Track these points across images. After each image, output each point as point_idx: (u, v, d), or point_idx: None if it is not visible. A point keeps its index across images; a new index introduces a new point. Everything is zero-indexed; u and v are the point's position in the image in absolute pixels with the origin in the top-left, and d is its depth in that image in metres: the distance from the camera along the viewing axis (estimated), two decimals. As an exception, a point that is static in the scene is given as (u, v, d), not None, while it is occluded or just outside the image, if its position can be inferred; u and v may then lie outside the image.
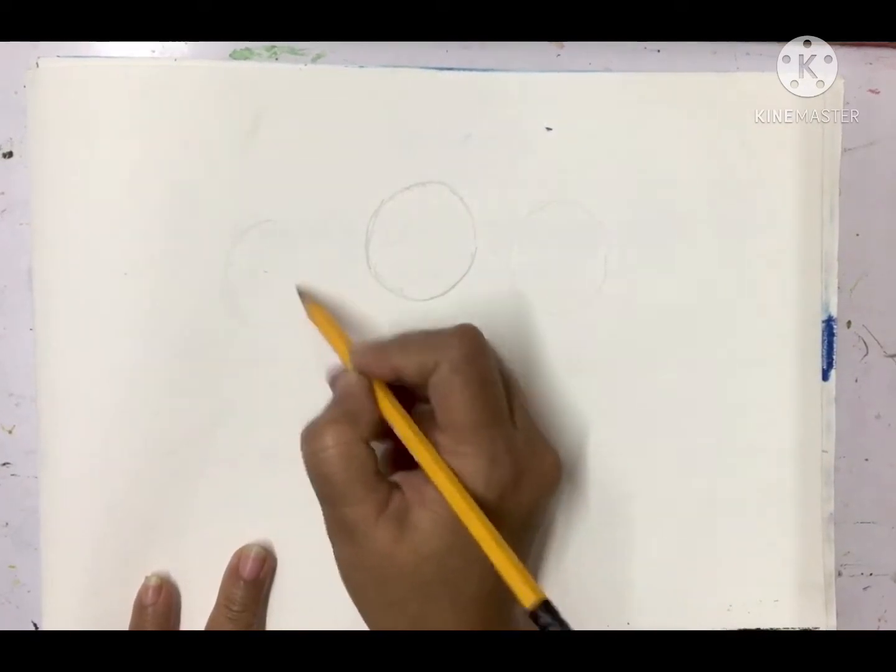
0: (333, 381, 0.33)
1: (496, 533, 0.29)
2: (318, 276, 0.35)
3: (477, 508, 0.29)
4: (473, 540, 0.29)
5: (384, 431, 0.31)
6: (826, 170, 0.37)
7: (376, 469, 0.31)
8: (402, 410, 0.31)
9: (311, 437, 0.31)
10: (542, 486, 0.32)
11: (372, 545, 0.30)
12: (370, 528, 0.30)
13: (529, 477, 0.31)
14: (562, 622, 0.28)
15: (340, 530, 0.31)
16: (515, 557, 0.28)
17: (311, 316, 0.34)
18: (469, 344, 0.31)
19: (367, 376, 0.32)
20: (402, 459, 0.32)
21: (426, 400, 0.31)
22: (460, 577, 0.30)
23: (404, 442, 0.31)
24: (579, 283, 0.37)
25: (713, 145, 0.37)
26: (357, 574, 0.31)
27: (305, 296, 0.35)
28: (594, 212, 0.36)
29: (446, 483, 0.29)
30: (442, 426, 0.31)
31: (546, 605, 0.28)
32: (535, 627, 0.28)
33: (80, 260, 0.35)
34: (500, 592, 0.29)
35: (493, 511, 0.30)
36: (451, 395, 0.30)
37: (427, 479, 0.30)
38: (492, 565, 0.29)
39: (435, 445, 0.30)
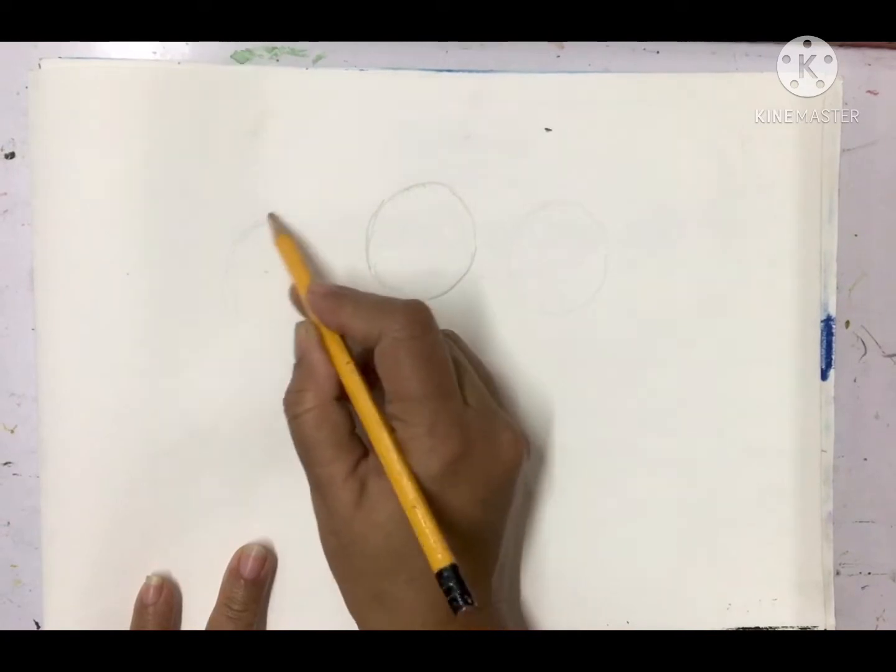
0: (296, 329, 0.33)
1: (418, 495, 0.28)
2: (318, 276, 0.35)
3: (405, 468, 0.29)
4: None
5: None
6: (825, 170, 0.37)
7: (351, 430, 0.31)
8: (348, 357, 0.31)
9: (287, 403, 0.31)
10: (497, 464, 0.32)
11: (337, 507, 0.30)
12: (337, 489, 0.30)
13: (482, 452, 0.31)
14: (466, 590, 0.27)
15: (315, 492, 0.31)
16: (432, 521, 0.28)
17: (277, 245, 0.34)
18: (414, 319, 0.31)
19: (318, 322, 0.32)
20: None
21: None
22: (411, 550, 0.29)
23: (347, 391, 0.31)
24: (579, 283, 0.37)
25: (713, 145, 0.37)
26: (328, 540, 0.32)
27: (275, 224, 0.35)
28: (594, 212, 0.36)
29: (383, 449, 0.29)
30: (388, 395, 0.31)
31: (453, 569, 0.27)
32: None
33: (81, 260, 0.35)
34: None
35: (438, 484, 0.30)
36: (394, 366, 0.30)
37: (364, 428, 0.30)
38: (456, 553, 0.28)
39: (386, 412, 0.30)
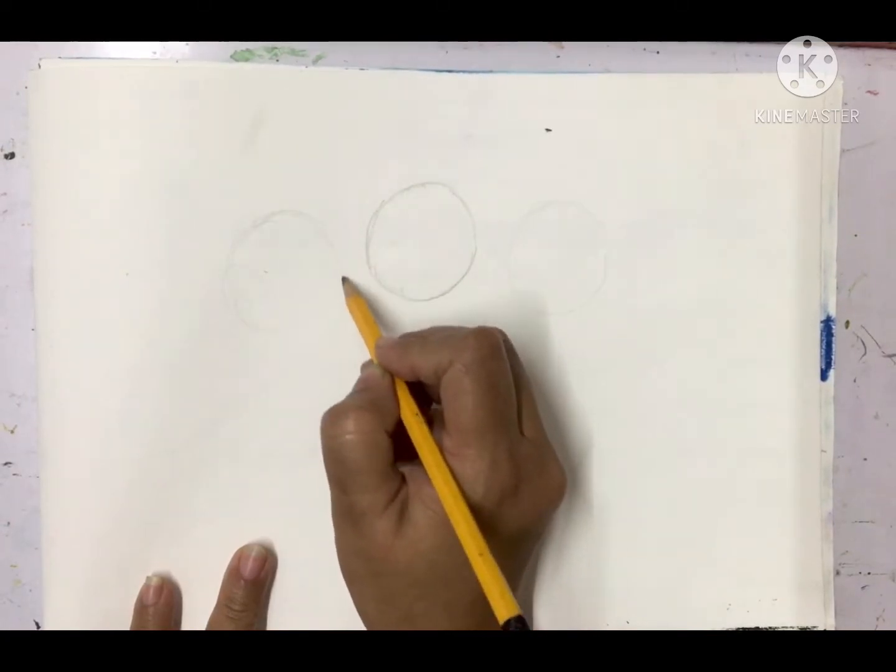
0: (363, 368, 0.33)
1: (482, 542, 0.28)
2: (318, 276, 0.36)
3: (469, 515, 0.29)
4: None
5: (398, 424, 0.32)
6: (825, 170, 0.37)
7: (392, 460, 0.31)
8: (415, 407, 0.31)
9: (334, 420, 0.30)
10: (544, 498, 0.32)
11: (373, 536, 0.30)
12: (375, 519, 0.30)
13: (531, 487, 0.31)
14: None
15: (347, 516, 0.31)
16: (497, 570, 0.28)
17: (349, 306, 0.35)
18: (484, 345, 0.31)
19: (388, 372, 0.32)
20: (413, 452, 0.31)
21: (440, 400, 0.31)
22: (453, 577, 0.30)
23: (412, 439, 0.31)
24: (579, 283, 0.37)
25: (713, 145, 0.37)
26: (355, 563, 0.31)
27: (348, 287, 0.35)
28: (594, 212, 0.36)
29: (443, 485, 0.29)
30: (448, 427, 0.30)
31: (520, 620, 0.27)
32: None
33: (81, 260, 0.35)
34: None
35: (489, 516, 0.30)
36: (458, 395, 0.30)
37: (425, 475, 0.30)
38: None
39: (440, 446, 0.30)
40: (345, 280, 0.35)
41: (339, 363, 0.34)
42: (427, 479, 0.30)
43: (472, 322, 0.35)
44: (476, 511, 0.29)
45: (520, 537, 0.32)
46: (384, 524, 0.30)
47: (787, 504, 0.37)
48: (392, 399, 0.31)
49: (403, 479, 0.31)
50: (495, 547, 0.29)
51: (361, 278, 0.36)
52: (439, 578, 0.30)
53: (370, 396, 0.31)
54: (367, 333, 0.33)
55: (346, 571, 0.32)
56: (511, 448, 0.31)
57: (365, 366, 0.33)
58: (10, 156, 0.36)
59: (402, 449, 0.31)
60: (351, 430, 0.30)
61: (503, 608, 0.27)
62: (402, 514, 0.30)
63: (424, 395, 0.32)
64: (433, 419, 0.32)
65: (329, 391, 0.35)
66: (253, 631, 0.36)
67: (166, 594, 0.35)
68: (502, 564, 0.29)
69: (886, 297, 0.39)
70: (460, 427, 0.30)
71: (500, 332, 0.32)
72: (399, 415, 0.31)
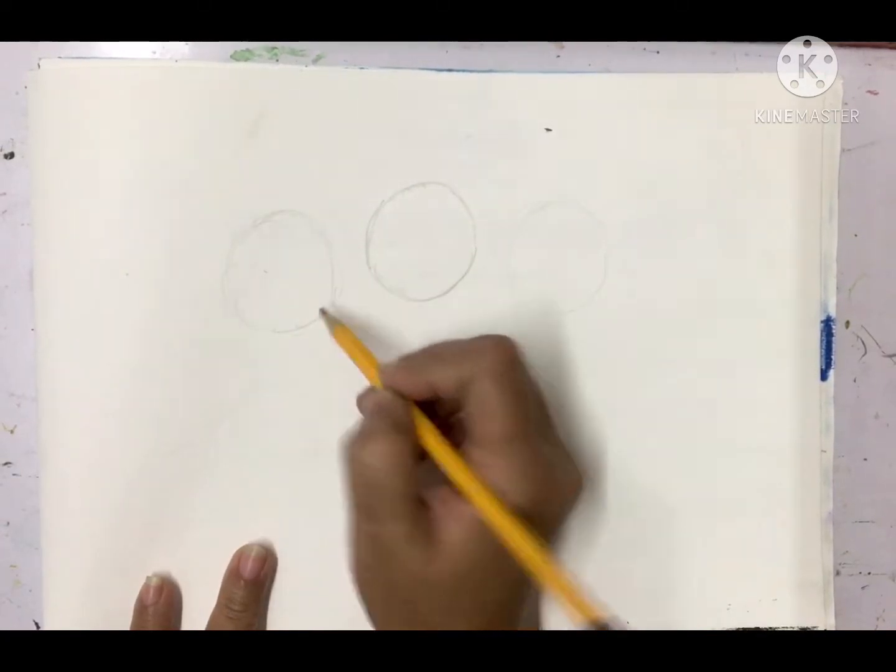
0: (361, 399, 0.32)
1: (546, 551, 0.28)
2: (318, 275, 0.35)
3: (521, 527, 0.29)
4: (500, 552, 0.29)
5: None
6: (825, 170, 0.37)
7: (417, 486, 0.30)
8: (432, 424, 0.31)
9: (363, 444, 0.29)
10: (565, 501, 0.32)
11: (403, 564, 0.29)
12: (407, 547, 0.29)
13: (555, 491, 0.31)
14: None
15: (372, 546, 0.30)
16: (568, 575, 0.28)
17: (336, 338, 0.34)
18: (506, 354, 0.30)
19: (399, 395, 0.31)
20: (425, 476, 0.31)
21: (449, 414, 0.31)
22: (482, 588, 0.30)
23: (436, 457, 0.30)
24: (579, 283, 0.37)
25: (713, 145, 0.37)
26: (380, 592, 0.31)
27: (330, 318, 0.34)
28: (594, 212, 0.36)
29: (484, 500, 0.29)
30: (476, 438, 0.30)
31: (603, 623, 0.28)
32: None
33: (80, 260, 0.35)
34: (516, 598, 0.30)
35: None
36: (488, 406, 0.29)
37: (455, 494, 0.30)
38: (516, 575, 0.29)
39: (472, 459, 0.30)
40: (323, 312, 0.35)
41: (339, 363, 0.34)
42: (453, 496, 0.30)
43: (473, 322, 0.35)
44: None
45: (548, 541, 0.32)
46: (415, 552, 0.29)
47: (787, 504, 0.37)
48: (411, 421, 0.30)
49: (423, 504, 0.30)
50: None
51: (361, 278, 0.36)
52: (470, 590, 0.30)
53: (392, 420, 0.30)
54: (363, 362, 0.33)
55: (365, 594, 0.31)
56: (538, 455, 0.30)
57: (367, 393, 0.32)
58: (10, 156, 0.36)
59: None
60: (383, 454, 0.29)
61: (591, 614, 0.28)
62: (431, 538, 0.29)
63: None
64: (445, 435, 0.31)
65: (329, 391, 0.35)
66: (253, 631, 0.35)
67: (166, 594, 0.35)
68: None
69: (886, 297, 0.39)
70: (490, 437, 0.30)
71: (511, 339, 0.32)
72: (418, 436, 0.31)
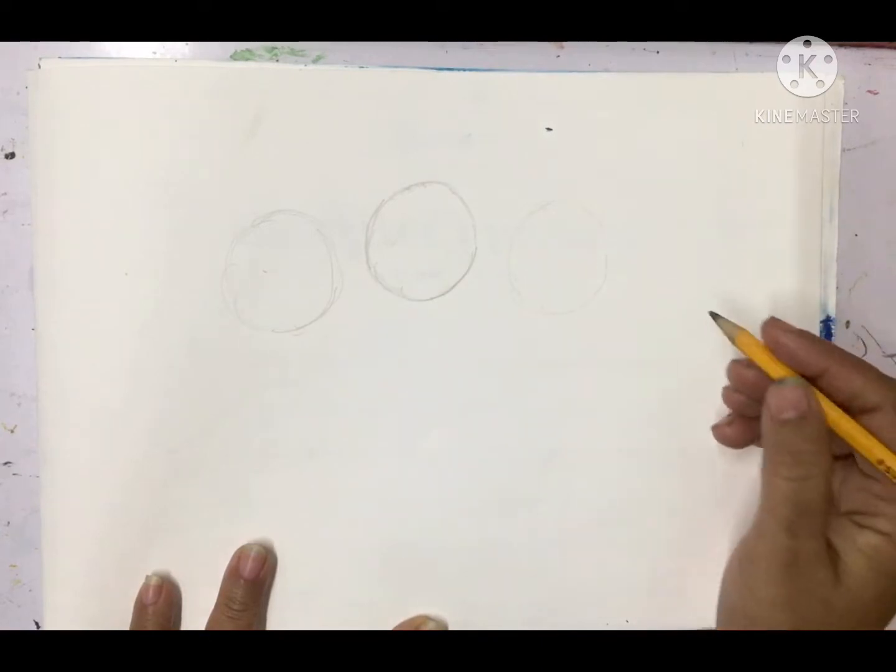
0: (775, 387, 0.32)
1: None
2: (318, 276, 0.36)
3: None
4: None
5: None
6: (826, 170, 0.37)
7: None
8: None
9: (800, 464, 0.30)
10: None
11: (809, 584, 0.30)
12: (819, 567, 0.30)
13: None
14: None
15: (784, 560, 0.30)
16: None
17: (737, 342, 0.34)
18: None
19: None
20: None
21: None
22: (873, 619, 0.30)
23: (863, 454, 0.30)
24: (579, 283, 0.37)
25: (713, 145, 0.37)
26: (770, 611, 0.31)
27: (726, 323, 0.34)
28: (594, 212, 0.36)
29: None
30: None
31: None
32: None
33: (81, 260, 0.35)
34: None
35: None
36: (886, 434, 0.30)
37: (857, 525, 0.30)
38: None
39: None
40: (715, 316, 0.35)
41: (339, 363, 0.34)
42: (854, 527, 0.30)
43: (473, 322, 0.35)
44: None
45: None
46: (825, 573, 0.30)
47: (788, 504, 0.37)
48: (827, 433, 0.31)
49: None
50: None
51: (361, 278, 0.36)
52: (861, 622, 0.30)
53: (819, 433, 0.30)
54: (770, 364, 0.32)
55: (748, 619, 0.31)
56: None
57: (781, 384, 0.31)
58: (10, 156, 0.36)
59: None
60: (822, 467, 0.30)
61: None
62: (836, 565, 0.30)
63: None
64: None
65: (329, 391, 0.35)
66: (253, 631, 0.35)
67: (166, 594, 0.35)
68: None
69: (886, 297, 0.39)
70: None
71: None
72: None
